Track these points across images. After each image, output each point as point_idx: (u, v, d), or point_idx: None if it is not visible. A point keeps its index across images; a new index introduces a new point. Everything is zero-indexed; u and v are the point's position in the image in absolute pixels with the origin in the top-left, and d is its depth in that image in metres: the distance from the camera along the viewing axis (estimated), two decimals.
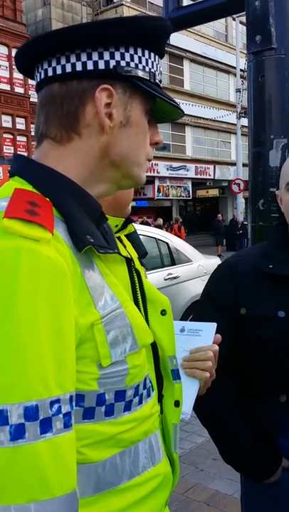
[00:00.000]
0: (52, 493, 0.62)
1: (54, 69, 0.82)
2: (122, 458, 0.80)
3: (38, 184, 0.79)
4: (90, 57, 0.81)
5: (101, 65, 0.81)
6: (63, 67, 0.82)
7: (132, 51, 0.83)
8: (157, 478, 0.86)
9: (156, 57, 0.88)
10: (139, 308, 0.87)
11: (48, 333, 0.65)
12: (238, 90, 21.10)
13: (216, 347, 1.07)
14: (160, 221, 19.45)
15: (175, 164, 24.30)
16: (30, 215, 0.70)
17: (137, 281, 0.92)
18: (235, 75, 23.57)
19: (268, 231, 1.82)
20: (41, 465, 0.62)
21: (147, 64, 0.85)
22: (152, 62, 0.86)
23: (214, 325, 1.10)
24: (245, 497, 1.50)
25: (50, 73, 0.83)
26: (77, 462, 0.69)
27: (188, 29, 23.41)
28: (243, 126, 21.29)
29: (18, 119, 21.04)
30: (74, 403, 0.69)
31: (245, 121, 20.15)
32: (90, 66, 0.81)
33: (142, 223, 16.55)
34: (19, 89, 21.14)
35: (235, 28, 22.57)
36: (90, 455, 0.76)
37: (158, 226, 18.07)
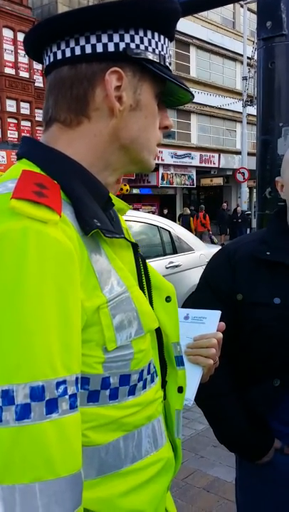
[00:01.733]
0: (57, 473, 0.63)
1: (63, 52, 0.82)
2: (126, 442, 0.81)
3: (46, 167, 0.79)
4: (99, 40, 0.81)
5: (111, 48, 0.81)
6: (72, 50, 0.81)
7: (141, 33, 0.82)
8: (160, 462, 0.87)
9: (166, 40, 0.87)
10: (144, 294, 0.87)
11: (55, 315, 0.65)
12: (244, 78, 20.85)
13: (220, 335, 1.07)
14: (187, 211, 19.50)
15: (180, 152, 24.15)
16: (38, 196, 0.70)
17: (142, 267, 0.92)
18: (242, 62, 23.30)
19: None
20: (46, 445, 0.62)
21: (157, 46, 0.85)
22: (162, 45, 0.86)
23: (219, 313, 1.10)
24: (240, 480, 1.53)
25: (59, 56, 0.83)
26: (82, 444, 0.70)
27: (195, 15, 23.08)
28: (248, 114, 21.13)
29: (22, 104, 20.87)
30: (80, 385, 0.69)
31: (250, 110, 20.02)
32: (99, 48, 0.81)
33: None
34: (24, 74, 20.95)
35: (243, 15, 22.24)
36: (93, 438, 0.76)
37: (186, 215, 18.59)
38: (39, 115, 21.67)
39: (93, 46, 0.81)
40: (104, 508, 0.78)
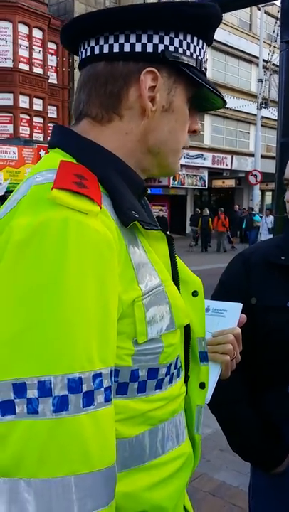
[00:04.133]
0: (92, 466, 0.62)
1: (101, 47, 0.82)
2: (151, 436, 0.81)
3: (81, 157, 0.79)
4: (138, 40, 0.81)
5: (149, 48, 0.81)
6: (111, 47, 0.82)
7: (181, 37, 0.83)
8: (181, 458, 0.87)
9: (204, 44, 0.88)
10: None
11: (94, 307, 0.65)
12: (260, 80, 20.75)
13: (238, 330, 1.06)
14: (207, 212, 20.23)
15: (192, 152, 24.08)
16: (79, 187, 0.70)
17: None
18: (257, 64, 23.19)
19: None
20: (83, 438, 0.62)
21: (195, 51, 0.85)
22: (200, 50, 0.86)
23: (240, 305, 1.08)
24: (254, 487, 1.51)
25: (96, 51, 0.83)
26: None
27: None
28: (263, 117, 21.01)
29: (35, 100, 20.93)
30: (113, 378, 0.69)
31: (265, 112, 19.91)
32: (138, 48, 0.81)
33: None
34: (38, 70, 21.00)
35: (260, 17, 22.15)
36: (121, 430, 0.76)
37: (206, 216, 19.56)
38: (52, 111, 21.73)
39: (132, 45, 0.81)
40: (130, 503, 0.77)
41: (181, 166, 23.88)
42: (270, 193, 28.52)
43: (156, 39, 0.81)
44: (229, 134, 27.81)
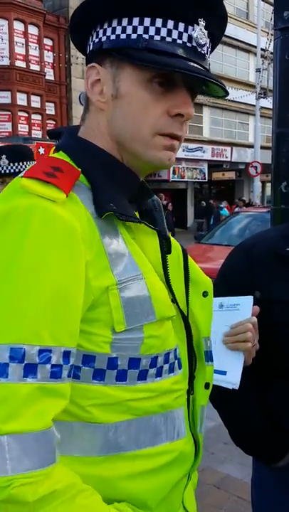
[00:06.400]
0: (25, 426, 0.65)
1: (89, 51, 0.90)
2: (136, 426, 0.81)
3: (74, 156, 0.84)
4: (91, 41, 0.88)
5: (96, 46, 0.86)
6: (90, 51, 0.89)
7: (115, 24, 0.81)
8: (171, 453, 0.86)
9: (166, 21, 0.79)
10: (184, 287, 0.92)
11: (49, 287, 0.69)
12: (258, 70, 20.57)
13: (254, 319, 1.11)
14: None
15: (191, 145, 23.98)
16: (47, 176, 0.75)
17: (182, 261, 0.94)
18: (255, 54, 23.01)
19: None
20: (17, 403, 0.65)
21: (135, 31, 0.80)
22: (155, 28, 0.79)
23: (251, 298, 1.13)
24: (256, 481, 1.50)
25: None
26: (84, 420, 0.76)
27: None
28: (262, 107, 20.88)
29: (33, 97, 20.81)
30: (71, 359, 0.72)
31: (264, 103, 19.78)
32: (89, 48, 0.88)
33: None
34: (35, 67, 20.85)
35: (257, 5, 21.96)
36: (97, 415, 0.78)
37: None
38: (50, 108, 21.63)
39: (89, 46, 0.88)
40: (105, 488, 0.77)
41: (181, 159, 23.99)
42: (270, 185, 28.36)
43: (101, 33, 0.84)
44: (228, 126, 27.68)
